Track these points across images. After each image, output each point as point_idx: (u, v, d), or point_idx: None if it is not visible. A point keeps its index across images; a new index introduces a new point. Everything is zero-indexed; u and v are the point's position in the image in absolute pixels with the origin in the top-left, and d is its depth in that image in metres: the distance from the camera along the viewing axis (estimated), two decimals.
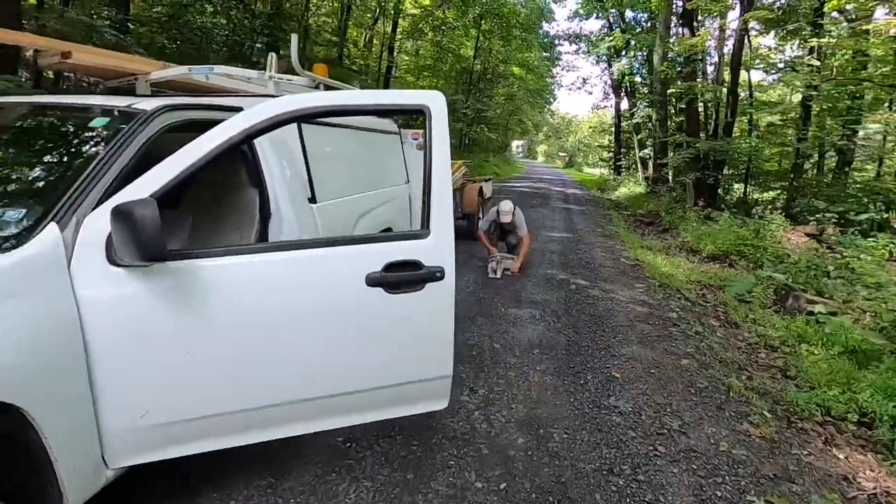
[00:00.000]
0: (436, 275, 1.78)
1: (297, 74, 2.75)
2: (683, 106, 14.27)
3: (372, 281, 1.70)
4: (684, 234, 9.70)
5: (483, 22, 25.86)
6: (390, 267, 1.73)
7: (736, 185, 15.22)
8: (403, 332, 1.84)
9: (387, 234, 1.89)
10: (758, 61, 14.35)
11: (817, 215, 8.48)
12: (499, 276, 5.51)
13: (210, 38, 11.71)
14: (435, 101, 1.83)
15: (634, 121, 20.44)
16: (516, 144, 66.12)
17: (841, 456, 2.80)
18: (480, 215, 7.71)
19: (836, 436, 3.04)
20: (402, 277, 1.75)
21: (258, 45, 14.53)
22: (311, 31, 16.02)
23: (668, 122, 16.16)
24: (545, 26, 31.07)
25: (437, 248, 1.80)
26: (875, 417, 3.17)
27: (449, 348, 1.89)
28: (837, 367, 3.77)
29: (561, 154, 69.65)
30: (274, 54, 2.86)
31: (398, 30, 20.18)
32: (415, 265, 1.77)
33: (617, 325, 4.28)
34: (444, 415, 2.67)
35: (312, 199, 2.75)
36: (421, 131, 4.77)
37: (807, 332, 4.51)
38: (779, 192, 13.06)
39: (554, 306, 4.66)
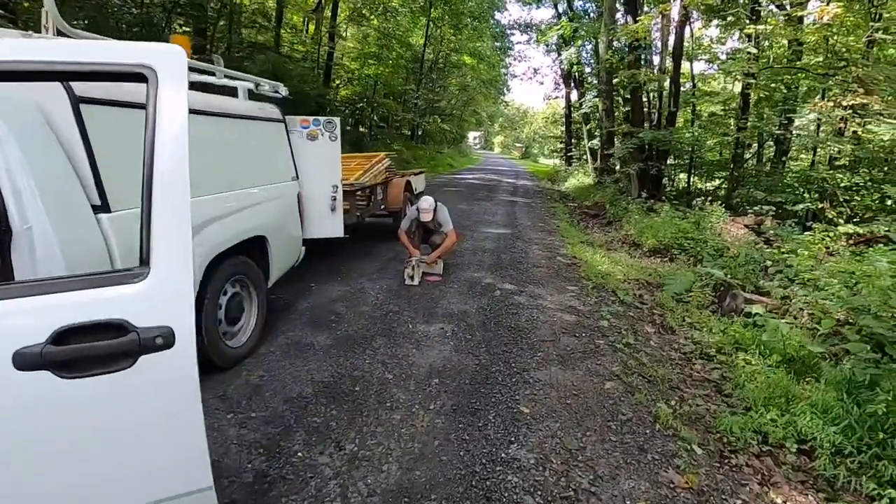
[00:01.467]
0: (155, 341, 1.08)
1: (67, 36, 1.99)
2: (629, 96, 14.08)
3: (27, 361, 0.99)
4: (627, 227, 9.40)
5: (433, 9, 25.08)
6: (66, 335, 1.03)
7: (681, 176, 15.26)
8: (101, 442, 1.12)
9: (65, 278, 1.15)
10: (700, 52, 14.33)
11: (755, 206, 8.32)
12: (416, 282, 4.89)
13: (114, 16, 10.42)
14: (165, 60, 1.15)
15: (583, 111, 20.29)
16: (473, 136, 65.84)
17: (779, 501, 2.35)
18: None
19: (773, 471, 2.60)
20: (85, 351, 1.05)
21: (178, 27, 13.24)
22: (239, 12, 14.79)
23: (615, 113, 15.98)
24: (497, 15, 30.62)
25: (161, 297, 1.12)
26: (815, 446, 2.76)
27: (197, 450, 1.19)
28: (775, 380, 3.37)
29: (517, 145, 69.90)
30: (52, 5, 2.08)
31: (339, 15, 19.10)
32: (116, 329, 1.07)
33: (538, 339, 3.75)
34: (285, 491, 2.02)
35: (103, 207, 2.01)
36: (311, 118, 4.07)
37: (744, 338, 4.14)
38: (720, 182, 13.09)
39: (471, 319, 4.08)
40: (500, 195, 13.94)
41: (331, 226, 4.45)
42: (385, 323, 3.89)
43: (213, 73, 3.44)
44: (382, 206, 6.50)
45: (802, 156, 14.58)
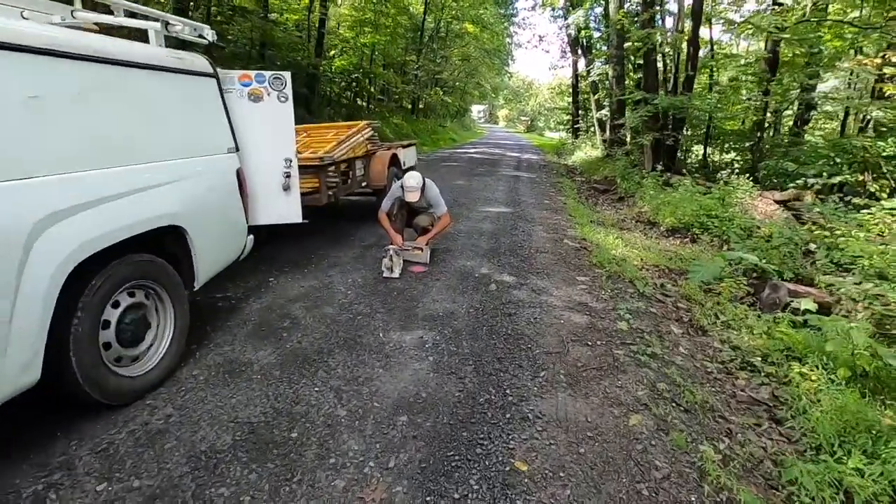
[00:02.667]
0: None
1: None
2: (641, 61, 12.96)
3: None
4: (641, 204, 8.54)
5: None
6: None
7: (695, 148, 14.23)
8: None
9: None
10: (720, 13, 13.13)
11: (781, 179, 7.41)
12: (396, 274, 4.10)
13: None
14: None
15: (591, 79, 19.08)
16: (477, 109, 64.25)
17: None
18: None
19: None
20: None
21: None
22: None
23: (626, 80, 14.86)
24: None
25: None
26: None
27: None
28: (848, 405, 2.60)
29: (522, 118, 68.25)
30: None
31: None
32: None
33: (542, 351, 2.97)
34: None
35: None
36: (253, 73, 3.22)
37: (795, 342, 3.35)
38: (740, 153, 12.08)
39: (459, 322, 3.31)
40: (502, 170, 13.01)
41: (285, 209, 3.65)
42: (350, 330, 3.12)
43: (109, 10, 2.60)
44: (364, 184, 5.67)
45: (825, 125, 13.49)
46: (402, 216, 4.63)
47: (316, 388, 2.46)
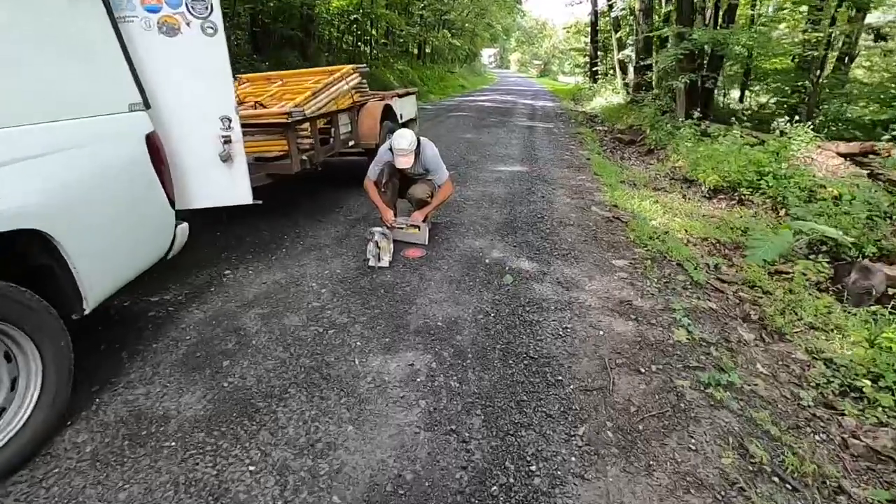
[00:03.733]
0: None
1: None
2: None
3: None
4: (675, 157, 7.47)
5: None
6: None
7: (731, 92, 12.78)
8: None
9: None
10: None
11: (866, 130, 6.26)
12: (385, 263, 3.25)
13: None
14: None
15: (613, 14, 17.25)
16: (487, 54, 61.13)
17: None
18: None
19: None
20: None
21: None
22: None
23: (654, 15, 13.24)
24: None
25: None
26: None
27: None
28: None
29: (535, 62, 65.04)
30: None
31: None
32: None
33: (578, 387, 2.14)
34: None
35: None
36: None
37: None
38: (784, 96, 10.67)
39: (463, 338, 2.47)
40: (515, 120, 11.80)
41: (226, 187, 2.76)
42: (316, 354, 2.31)
43: None
44: (351, 143, 4.71)
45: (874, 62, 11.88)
46: (394, 185, 3.71)
47: (252, 467, 1.67)
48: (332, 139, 4.37)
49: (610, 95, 16.54)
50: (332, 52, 17.40)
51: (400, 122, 5.78)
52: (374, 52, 21.10)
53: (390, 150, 3.40)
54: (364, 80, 5.08)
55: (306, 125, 3.79)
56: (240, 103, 4.05)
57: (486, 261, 3.40)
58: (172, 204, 2.33)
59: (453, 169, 6.05)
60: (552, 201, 4.91)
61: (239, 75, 4.95)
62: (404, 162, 3.35)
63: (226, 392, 2.03)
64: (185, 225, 2.46)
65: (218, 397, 2.00)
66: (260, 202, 2.93)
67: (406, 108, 6.05)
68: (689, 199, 5.75)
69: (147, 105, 2.19)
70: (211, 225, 3.91)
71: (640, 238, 3.94)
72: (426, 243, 3.62)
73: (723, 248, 4.27)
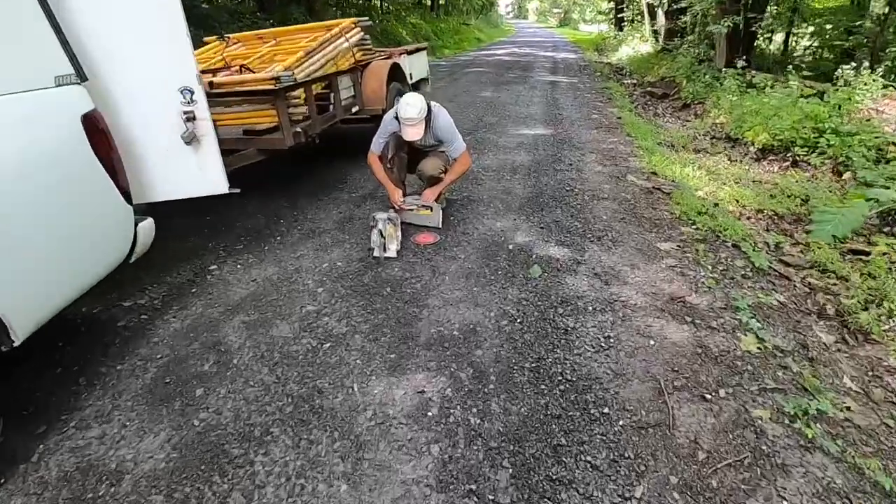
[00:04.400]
0: None
1: None
2: None
3: None
4: (716, 113, 6.74)
5: None
6: None
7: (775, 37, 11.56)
8: None
9: None
10: None
11: None
12: (391, 253, 2.81)
13: None
14: None
15: None
16: (504, 3, 58.18)
17: None
18: None
19: None
20: None
21: None
22: None
23: None
24: None
25: None
26: None
27: None
28: None
29: (555, 11, 61.67)
30: None
31: None
32: None
33: (630, 422, 1.71)
34: None
35: None
36: None
37: None
38: (839, 40, 9.55)
39: (484, 353, 2.05)
40: (536, 75, 10.96)
41: (195, 174, 2.31)
42: (306, 378, 1.91)
43: None
44: (355, 109, 4.19)
45: None
46: (402, 159, 3.22)
47: None
48: (331, 106, 3.86)
49: (637, 44, 15.33)
50: (340, 7, 16.45)
51: (410, 82, 5.21)
52: (385, 5, 19.96)
53: (396, 118, 2.89)
54: (367, 36, 4.50)
55: (299, 92, 3.29)
56: (225, 67, 3.56)
57: (510, 246, 2.93)
58: (128, 198, 1.91)
59: (470, 134, 5.49)
60: (582, 169, 4.35)
61: (228, 35, 4.42)
62: (413, 133, 2.85)
63: (195, 433, 1.66)
64: (148, 221, 2.05)
65: (185, 441, 1.63)
66: (238, 190, 2.49)
67: (416, 66, 5.45)
68: (736, 161, 5.12)
69: (82, 77, 1.73)
70: (201, 208, 3.50)
71: (687, 213, 3.40)
72: (440, 226, 3.15)
73: (781, 221, 3.71)
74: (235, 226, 3.32)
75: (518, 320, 2.24)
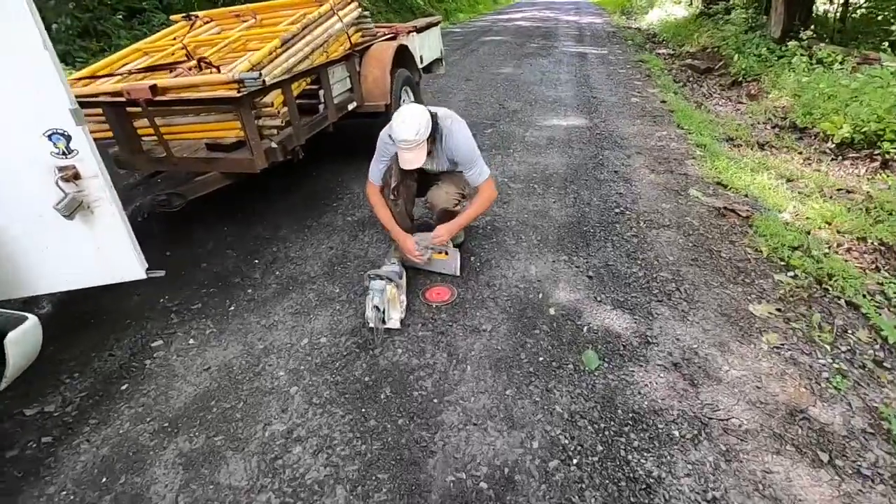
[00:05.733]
0: None
1: None
2: None
3: None
4: (776, 94, 5.79)
5: None
6: None
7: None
8: None
9: None
10: None
11: None
12: (394, 324, 2.09)
13: None
14: None
15: None
16: None
17: None
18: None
19: None
20: None
21: None
22: None
23: None
24: None
25: None
26: None
27: None
28: None
29: None
30: None
31: None
32: None
33: None
34: None
35: None
36: None
37: None
38: None
39: None
40: (561, 44, 9.87)
41: (90, 257, 1.60)
42: None
43: None
44: (352, 106, 3.40)
45: None
46: (409, 189, 2.46)
47: None
48: (321, 105, 3.08)
49: (670, 6, 13.94)
50: None
51: (421, 65, 4.36)
52: None
53: (390, 137, 2.12)
54: (367, 13, 3.65)
55: (274, 95, 2.51)
56: (188, 59, 2.78)
57: (551, 311, 2.20)
58: None
59: (490, 127, 4.67)
60: (630, 178, 3.55)
61: (196, 13, 3.60)
62: (411, 160, 2.08)
63: None
64: (26, 327, 1.35)
65: None
66: (161, 273, 1.77)
67: (428, 45, 4.59)
68: (810, 159, 4.25)
69: None
70: (159, 239, 2.81)
71: (777, 251, 2.62)
72: (457, 274, 2.42)
73: (892, 255, 2.90)
74: (199, 269, 2.62)
75: (574, 460, 1.54)
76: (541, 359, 1.93)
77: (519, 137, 4.43)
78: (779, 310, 2.20)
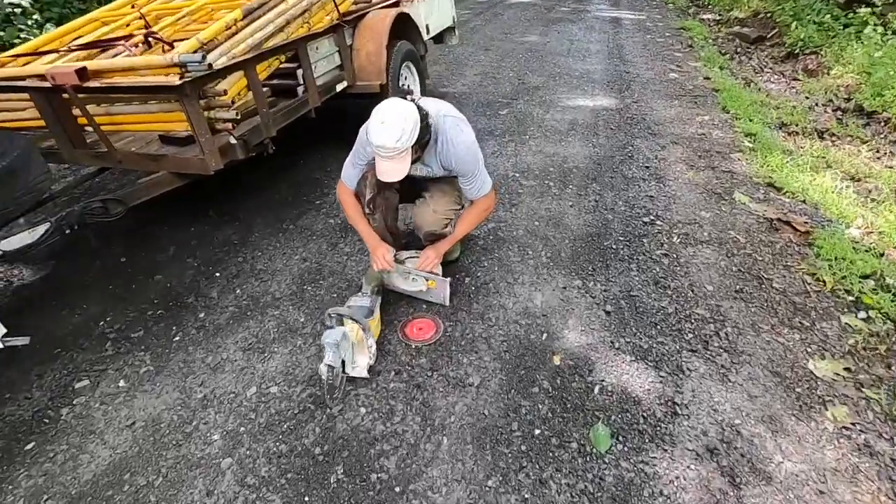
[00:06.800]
0: None
1: None
2: None
3: None
4: (839, 70, 5.05)
5: None
6: None
7: None
8: None
9: None
10: None
11: None
12: (361, 373, 1.70)
13: None
14: None
15: None
16: None
17: None
18: (410, 88, 3.54)
19: None
20: None
21: None
22: None
23: None
24: None
25: None
26: None
27: None
28: None
29: None
30: None
31: None
32: None
33: None
34: None
35: None
36: None
37: None
38: None
39: None
40: (594, 7, 9.01)
41: None
42: None
43: None
44: (340, 87, 2.95)
45: None
46: (389, 202, 2.02)
47: None
48: (302, 86, 2.63)
49: None
50: None
51: (427, 36, 3.84)
52: None
53: (368, 141, 1.68)
54: None
55: (232, 80, 2.08)
56: (147, 34, 2.37)
57: (556, 359, 1.78)
58: None
59: (507, 106, 4.15)
60: (664, 176, 3.02)
61: None
62: (390, 171, 1.63)
63: None
64: None
65: None
66: (25, 341, 1.40)
67: (437, 12, 4.03)
68: (879, 150, 3.62)
69: None
70: (116, 239, 2.48)
71: (845, 279, 2.12)
72: (446, 303, 2.02)
73: None
74: (151, 282, 2.28)
75: None
76: (537, 432, 1.53)
77: (537, 120, 3.90)
78: (848, 369, 1.73)
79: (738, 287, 2.11)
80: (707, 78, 4.89)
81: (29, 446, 1.56)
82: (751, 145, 3.40)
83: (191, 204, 2.82)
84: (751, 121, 3.79)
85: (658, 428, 1.53)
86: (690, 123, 3.80)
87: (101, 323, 2.05)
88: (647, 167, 3.13)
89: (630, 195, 2.82)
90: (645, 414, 1.58)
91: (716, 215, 2.62)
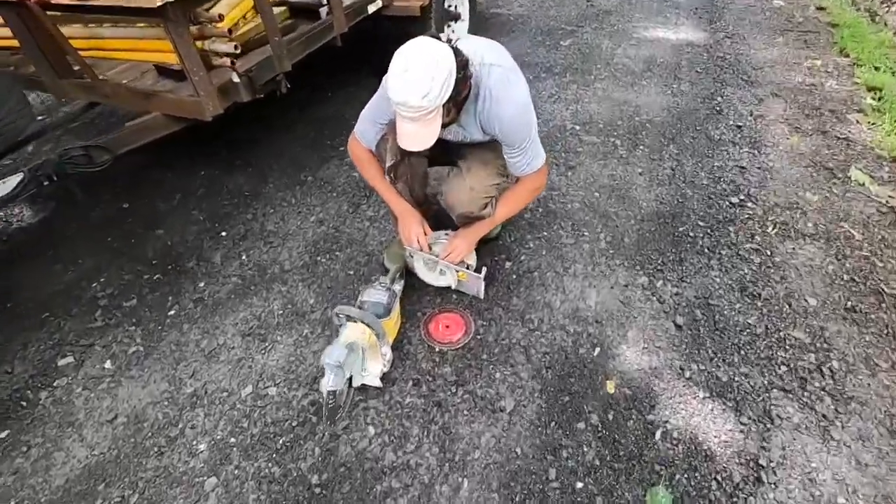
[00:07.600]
0: None
1: None
2: None
3: None
4: None
5: None
6: None
7: None
8: None
9: None
10: None
11: None
12: (373, 381, 1.44)
13: None
14: None
15: None
16: None
17: None
18: (457, 12, 3.01)
19: None
20: None
21: None
22: None
23: None
24: None
25: None
26: None
27: None
28: None
29: None
30: None
31: None
32: None
33: None
34: None
35: None
36: None
37: None
38: None
39: None
40: None
41: None
42: None
43: None
44: (373, 8, 2.45)
45: None
46: (413, 168, 1.61)
47: None
48: (324, 6, 2.17)
49: None
50: None
51: None
52: None
53: (385, 95, 1.27)
54: None
55: (230, 3, 1.65)
56: None
57: (609, 386, 1.45)
58: None
59: (570, 34, 3.53)
60: (761, 141, 2.47)
61: None
62: (414, 135, 1.23)
63: None
64: None
65: None
66: None
67: None
68: None
69: None
70: (123, 185, 2.23)
71: None
72: (480, 296, 1.69)
73: None
74: (152, 236, 2.03)
75: None
76: (579, 485, 1.24)
77: (606, 56, 3.28)
78: None
79: (849, 303, 1.67)
80: (821, 8, 4.00)
81: (3, 434, 1.40)
82: (875, 104, 2.73)
83: (202, 144, 2.51)
84: (876, 69, 3.05)
85: (734, 499, 1.21)
86: (797, 69, 3.10)
87: (95, 284, 1.84)
88: (740, 127, 2.56)
89: (716, 164, 2.31)
90: (719, 476, 1.25)
91: (825, 199, 2.11)
